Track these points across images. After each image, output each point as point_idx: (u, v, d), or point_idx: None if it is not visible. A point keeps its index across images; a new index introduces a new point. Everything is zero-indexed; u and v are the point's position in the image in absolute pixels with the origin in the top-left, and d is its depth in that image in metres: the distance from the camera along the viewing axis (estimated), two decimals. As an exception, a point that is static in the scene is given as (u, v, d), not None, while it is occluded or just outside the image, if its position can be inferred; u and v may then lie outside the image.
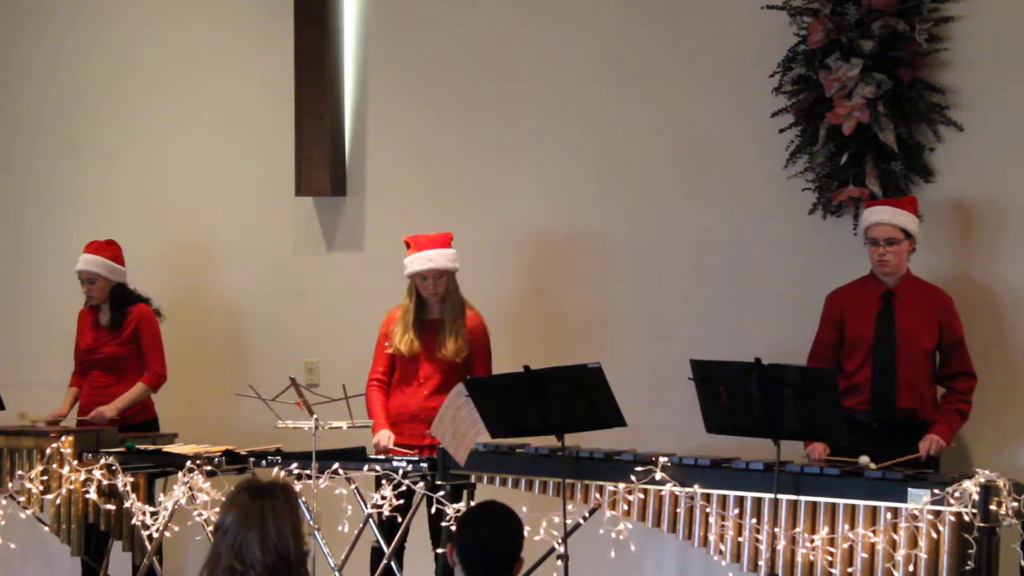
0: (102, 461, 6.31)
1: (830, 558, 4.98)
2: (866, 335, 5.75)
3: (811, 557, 5.02)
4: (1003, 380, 5.98)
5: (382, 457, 6.04)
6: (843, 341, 5.83)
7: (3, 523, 6.64)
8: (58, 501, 6.41)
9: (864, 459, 5.20)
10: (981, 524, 4.78)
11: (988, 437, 5.98)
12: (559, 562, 5.31)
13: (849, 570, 4.96)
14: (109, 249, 6.98)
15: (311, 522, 5.96)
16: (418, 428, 6.11)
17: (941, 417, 5.68)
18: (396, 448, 6.09)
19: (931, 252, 6.11)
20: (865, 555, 4.94)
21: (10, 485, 6.53)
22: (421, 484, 5.83)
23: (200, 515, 6.04)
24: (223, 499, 3.77)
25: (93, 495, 6.30)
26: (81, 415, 6.95)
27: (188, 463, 6.13)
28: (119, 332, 6.93)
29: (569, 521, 5.37)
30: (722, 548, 5.22)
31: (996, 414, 5.95)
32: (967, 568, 4.81)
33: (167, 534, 6.28)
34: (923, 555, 4.84)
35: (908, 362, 5.67)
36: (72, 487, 6.38)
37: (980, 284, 6.07)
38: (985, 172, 6.05)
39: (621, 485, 5.41)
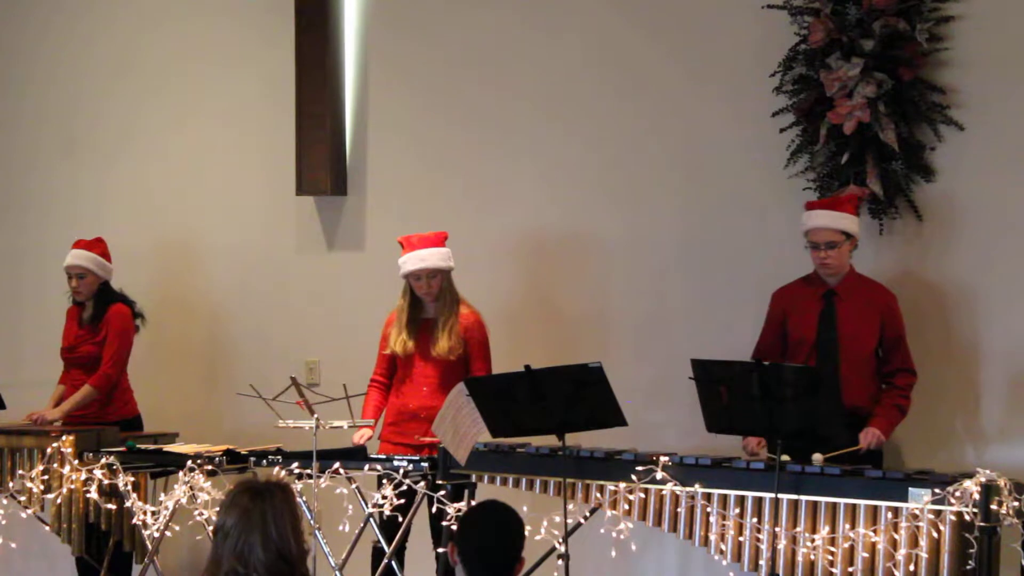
0: (103, 460, 6.31)
1: (831, 557, 4.98)
2: (808, 335, 5.79)
3: (812, 557, 5.02)
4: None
5: (383, 456, 6.04)
6: (786, 341, 5.86)
7: (4, 522, 6.64)
8: (59, 500, 6.41)
9: (817, 456, 5.20)
10: (982, 524, 4.78)
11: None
12: (560, 562, 5.30)
13: (850, 570, 4.96)
14: (99, 246, 6.99)
15: (312, 522, 5.96)
16: (419, 427, 6.11)
17: (880, 411, 5.71)
18: (395, 445, 6.14)
19: (931, 251, 6.12)
20: (866, 554, 4.94)
21: (11, 484, 6.53)
22: (422, 484, 5.83)
23: (201, 515, 6.04)
24: (223, 499, 3.75)
25: (94, 494, 6.31)
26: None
27: (189, 463, 6.13)
28: (96, 331, 6.92)
29: (570, 521, 5.37)
30: (723, 548, 5.21)
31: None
32: (968, 567, 4.80)
33: (168, 534, 6.28)
34: (924, 555, 4.84)
35: (851, 361, 5.68)
36: (73, 486, 6.38)
37: (981, 283, 6.07)
38: (986, 172, 6.05)
39: (622, 484, 5.40)
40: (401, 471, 5.81)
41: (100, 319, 6.92)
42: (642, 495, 5.38)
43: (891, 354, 5.80)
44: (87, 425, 6.72)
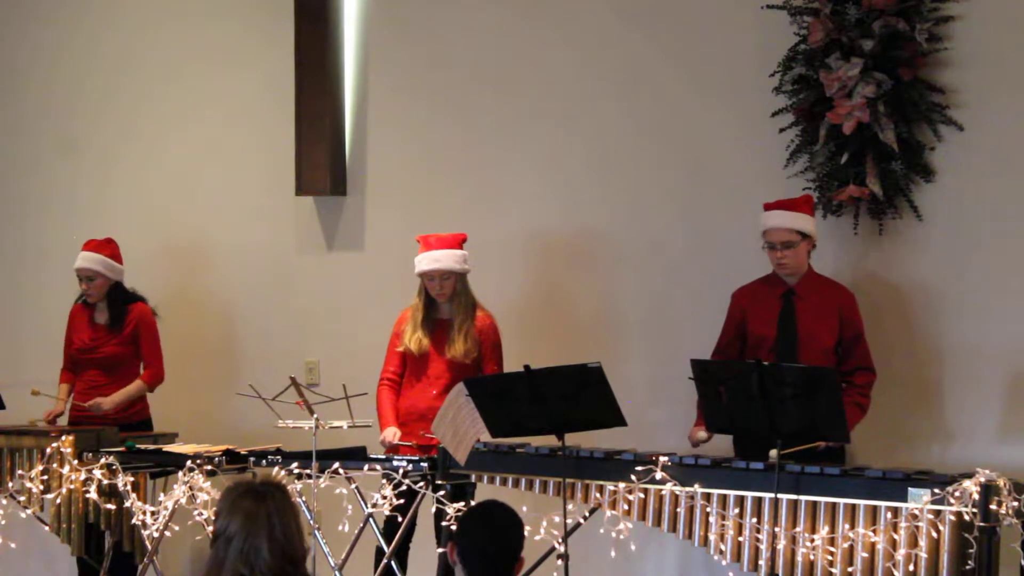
0: (102, 461, 6.31)
1: (830, 558, 4.98)
2: (768, 334, 5.81)
3: (811, 557, 5.02)
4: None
5: (383, 456, 6.04)
6: (746, 340, 5.86)
7: (3, 523, 6.64)
8: (58, 501, 6.41)
9: (772, 453, 5.19)
10: (981, 524, 4.77)
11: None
12: (559, 562, 5.30)
13: (849, 569, 4.96)
14: (108, 247, 6.98)
15: (311, 522, 5.96)
16: (426, 428, 6.10)
17: None
18: (403, 444, 6.12)
19: (930, 251, 6.11)
20: (865, 555, 4.94)
21: (10, 485, 6.54)
22: (422, 484, 5.82)
23: (200, 515, 6.04)
24: (220, 503, 3.73)
25: (93, 495, 6.31)
26: (76, 411, 6.96)
27: (188, 463, 6.13)
28: (119, 331, 6.93)
29: (569, 521, 5.37)
30: (722, 548, 5.21)
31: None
32: (967, 568, 4.80)
33: (167, 534, 6.29)
34: (923, 555, 4.83)
35: (810, 360, 5.67)
36: (72, 487, 6.38)
37: (982, 283, 6.06)
38: (985, 172, 6.05)
39: (621, 485, 5.40)
40: (401, 471, 5.81)
41: (122, 320, 6.93)
42: (642, 495, 5.38)
43: (850, 352, 5.81)
44: (103, 425, 6.73)
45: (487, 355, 6.21)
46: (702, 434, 5.72)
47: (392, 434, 6.16)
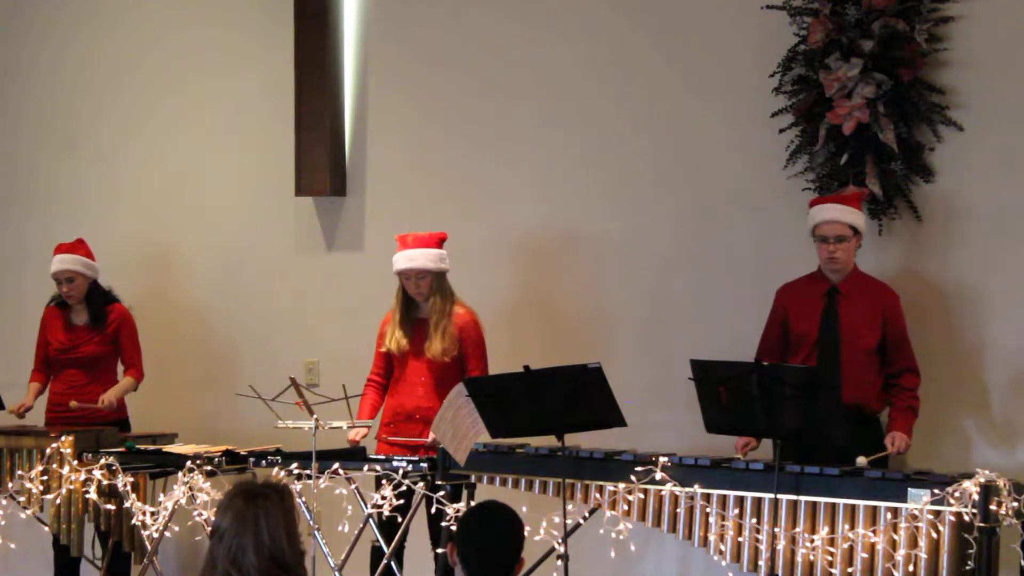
0: (102, 461, 6.31)
1: (830, 558, 4.98)
2: (810, 332, 5.79)
3: (811, 557, 5.02)
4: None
5: (382, 457, 6.04)
6: (788, 337, 5.85)
7: (3, 523, 6.64)
8: (58, 501, 6.41)
9: (861, 460, 5.20)
10: (981, 524, 4.77)
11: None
12: (559, 562, 5.31)
13: (849, 570, 4.96)
14: (82, 247, 7.00)
15: (311, 522, 5.96)
16: (414, 428, 6.11)
17: (897, 415, 5.72)
18: (391, 446, 6.15)
19: (930, 252, 6.12)
20: (865, 555, 4.94)
21: (10, 485, 6.54)
22: (421, 484, 5.83)
23: (200, 515, 6.04)
24: (221, 500, 3.74)
25: (93, 495, 6.31)
26: (53, 412, 6.96)
27: (188, 463, 6.13)
28: (100, 331, 6.93)
29: (569, 521, 5.37)
30: (722, 548, 5.21)
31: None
32: (967, 568, 4.80)
33: (167, 534, 6.29)
34: (923, 555, 4.84)
35: (852, 359, 5.67)
36: (72, 487, 6.38)
37: (981, 283, 6.06)
38: (985, 172, 6.05)
39: (621, 485, 5.41)
40: (400, 471, 5.81)
41: (103, 319, 6.93)
42: (641, 495, 5.38)
43: (895, 354, 5.79)
44: (84, 425, 6.72)
45: (469, 352, 6.19)
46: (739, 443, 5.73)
47: (354, 433, 6.20)
